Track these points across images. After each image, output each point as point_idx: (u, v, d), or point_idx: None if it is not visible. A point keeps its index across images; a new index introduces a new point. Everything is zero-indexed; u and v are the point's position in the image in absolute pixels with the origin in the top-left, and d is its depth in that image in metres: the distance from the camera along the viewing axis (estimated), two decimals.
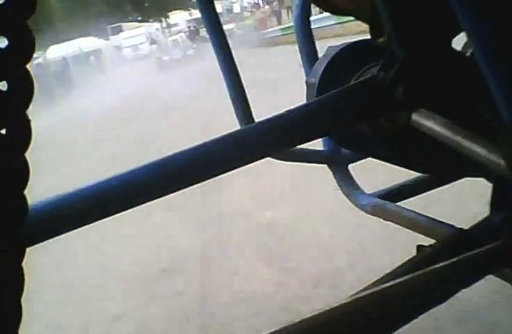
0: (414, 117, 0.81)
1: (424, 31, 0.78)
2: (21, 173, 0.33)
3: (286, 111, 0.80)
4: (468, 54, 0.89)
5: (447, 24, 0.70)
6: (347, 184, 1.18)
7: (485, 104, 0.68)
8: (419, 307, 0.57)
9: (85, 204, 0.69)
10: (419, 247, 0.79)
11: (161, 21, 53.00)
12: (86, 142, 7.46)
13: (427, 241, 0.85)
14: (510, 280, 0.76)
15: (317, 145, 1.09)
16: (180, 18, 56.77)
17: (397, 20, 0.78)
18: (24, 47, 0.31)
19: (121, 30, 39.44)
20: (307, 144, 0.87)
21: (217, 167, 0.77)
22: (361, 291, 0.62)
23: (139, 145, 5.86)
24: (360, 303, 0.54)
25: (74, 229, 0.70)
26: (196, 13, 60.21)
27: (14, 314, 0.33)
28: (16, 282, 0.33)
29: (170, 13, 54.98)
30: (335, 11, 1.01)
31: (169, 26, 54.26)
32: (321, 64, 0.99)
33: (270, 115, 0.80)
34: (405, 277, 0.58)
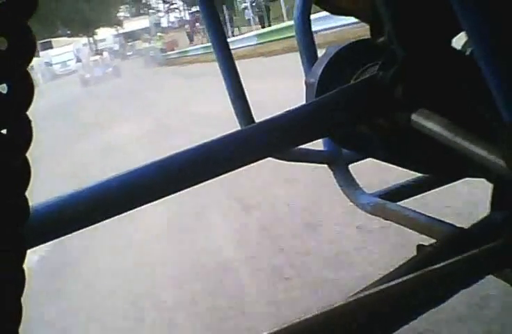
0: (414, 117, 0.81)
1: (424, 31, 0.78)
2: (22, 173, 0.33)
3: (287, 112, 0.80)
4: (467, 53, 0.89)
5: (447, 23, 0.70)
6: (347, 183, 1.18)
7: (485, 104, 0.68)
8: (419, 308, 0.57)
9: (86, 206, 0.68)
10: (419, 246, 0.79)
11: (89, 36, 56.20)
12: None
13: None
14: (510, 280, 0.76)
15: (318, 145, 1.10)
16: (107, 33, 60.40)
17: (398, 20, 0.78)
18: (24, 48, 0.30)
19: (50, 46, 43.14)
20: (307, 144, 0.87)
21: (218, 167, 0.77)
22: (361, 291, 0.62)
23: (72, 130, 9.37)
24: (360, 303, 0.54)
25: (76, 230, 0.69)
26: (121, 29, 63.50)
27: (15, 314, 0.33)
28: (16, 282, 0.33)
29: (97, 30, 58.29)
30: (337, 11, 1.01)
31: (95, 41, 58.11)
32: (320, 64, 0.99)
33: (270, 116, 0.80)
34: (405, 278, 0.58)
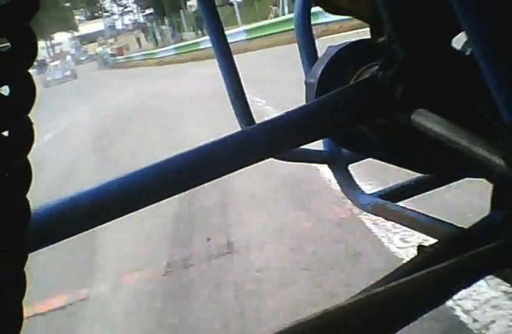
0: (414, 117, 0.81)
1: (424, 31, 0.78)
2: (23, 175, 0.33)
3: (287, 112, 0.80)
4: (467, 53, 0.89)
5: (447, 23, 0.70)
6: (347, 183, 1.18)
7: (485, 104, 0.68)
8: (420, 309, 0.57)
9: (86, 209, 0.68)
10: (420, 247, 0.79)
11: (46, 40, 60.29)
12: None
13: None
14: (510, 280, 0.76)
15: (318, 145, 1.10)
16: (64, 36, 63.51)
17: (397, 20, 0.78)
18: (26, 50, 0.30)
19: None
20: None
21: (218, 169, 0.77)
22: (362, 292, 0.62)
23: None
24: (361, 304, 0.54)
25: (76, 234, 0.69)
26: (77, 33, 66.39)
27: (15, 319, 0.33)
28: (17, 286, 0.33)
29: (53, 34, 62.89)
30: (336, 11, 1.01)
31: (53, 45, 60.80)
32: (320, 64, 0.99)
33: (271, 117, 0.80)
34: (406, 279, 0.58)
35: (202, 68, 13.14)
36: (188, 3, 35.75)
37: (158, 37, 35.54)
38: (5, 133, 0.31)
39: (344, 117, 0.83)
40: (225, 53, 1.00)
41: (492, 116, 0.65)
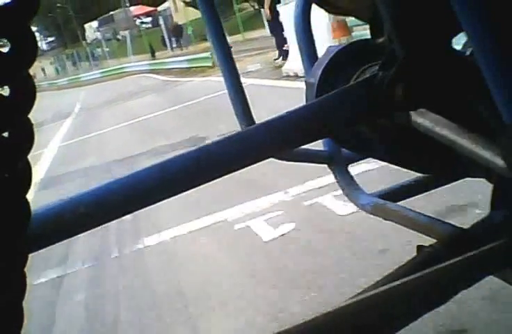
0: (414, 117, 0.81)
1: (424, 31, 0.78)
2: (23, 176, 0.32)
3: (287, 113, 0.79)
4: (468, 53, 0.89)
5: (447, 23, 0.70)
6: (347, 183, 1.18)
7: (485, 104, 0.68)
8: (420, 309, 0.57)
9: (86, 209, 0.68)
10: (420, 247, 0.79)
11: None
12: None
13: None
14: (510, 280, 0.76)
15: (318, 145, 1.10)
16: None
17: (397, 20, 0.78)
18: (26, 51, 0.30)
19: None
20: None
21: (219, 169, 0.77)
22: (362, 292, 0.62)
23: None
24: (361, 304, 0.54)
25: (76, 234, 0.69)
26: None
27: (16, 318, 0.33)
28: (18, 286, 0.32)
29: None
30: (336, 11, 1.01)
31: None
32: (321, 64, 0.99)
33: (271, 117, 0.80)
34: (406, 279, 0.58)
35: (79, 90, 23.57)
36: (86, 34, 48.18)
37: (59, 69, 48.69)
38: (5, 134, 0.31)
39: (343, 117, 0.83)
40: (225, 56, 1.00)
41: (492, 116, 0.65)
